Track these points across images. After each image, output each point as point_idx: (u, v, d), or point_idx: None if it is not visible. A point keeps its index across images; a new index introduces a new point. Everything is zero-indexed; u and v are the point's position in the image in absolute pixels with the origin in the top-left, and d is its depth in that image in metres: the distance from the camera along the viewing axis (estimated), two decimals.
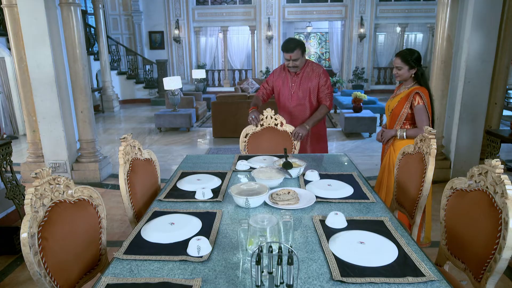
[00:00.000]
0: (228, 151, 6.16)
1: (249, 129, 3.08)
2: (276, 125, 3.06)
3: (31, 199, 1.36)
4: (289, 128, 3.02)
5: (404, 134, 2.63)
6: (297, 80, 3.12)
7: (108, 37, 11.04)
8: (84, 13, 11.11)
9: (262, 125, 3.07)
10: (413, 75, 2.65)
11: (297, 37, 15.27)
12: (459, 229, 1.65)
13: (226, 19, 12.78)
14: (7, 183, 3.13)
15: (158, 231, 1.58)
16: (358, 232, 1.55)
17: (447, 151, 4.58)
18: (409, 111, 2.64)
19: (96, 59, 10.64)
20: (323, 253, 1.43)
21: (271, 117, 3.06)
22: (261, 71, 12.85)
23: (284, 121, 3.04)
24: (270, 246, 1.11)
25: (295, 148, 3.01)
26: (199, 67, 13.14)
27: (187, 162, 2.71)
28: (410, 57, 2.59)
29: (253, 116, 2.97)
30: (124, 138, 2.07)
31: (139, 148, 2.23)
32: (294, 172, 2.26)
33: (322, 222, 1.68)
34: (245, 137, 3.07)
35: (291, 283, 1.05)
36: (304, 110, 3.17)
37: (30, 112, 4.50)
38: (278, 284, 1.08)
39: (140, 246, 1.50)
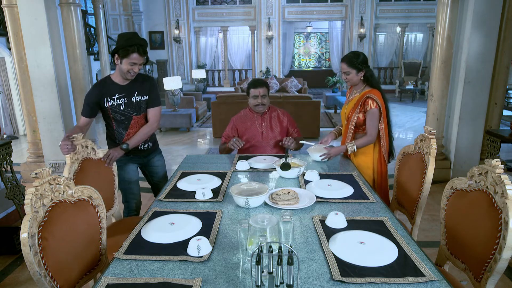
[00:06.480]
0: None
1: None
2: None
3: (31, 199, 1.36)
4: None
5: (355, 147, 2.53)
6: (265, 121, 3.02)
7: (108, 37, 11.01)
8: (84, 13, 11.09)
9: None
10: (362, 78, 2.57)
11: (297, 37, 15.32)
12: (459, 229, 1.65)
13: (226, 19, 12.78)
14: (7, 183, 3.13)
15: (158, 231, 1.58)
16: (358, 232, 1.55)
17: (447, 151, 4.58)
18: (360, 116, 2.55)
19: (96, 59, 10.62)
20: (323, 253, 1.43)
21: None
22: (261, 71, 12.84)
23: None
24: (270, 246, 1.11)
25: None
26: (199, 67, 13.13)
27: (187, 162, 2.71)
28: (356, 60, 2.50)
29: (234, 140, 2.80)
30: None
31: (92, 148, 2.27)
32: (294, 172, 2.26)
33: (322, 222, 1.68)
34: None
35: (291, 283, 1.05)
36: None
37: (30, 112, 4.50)
38: (278, 284, 1.08)
39: (140, 246, 1.50)
